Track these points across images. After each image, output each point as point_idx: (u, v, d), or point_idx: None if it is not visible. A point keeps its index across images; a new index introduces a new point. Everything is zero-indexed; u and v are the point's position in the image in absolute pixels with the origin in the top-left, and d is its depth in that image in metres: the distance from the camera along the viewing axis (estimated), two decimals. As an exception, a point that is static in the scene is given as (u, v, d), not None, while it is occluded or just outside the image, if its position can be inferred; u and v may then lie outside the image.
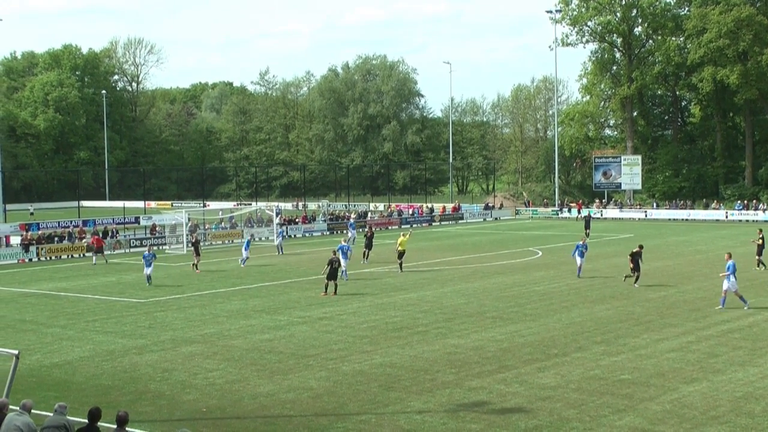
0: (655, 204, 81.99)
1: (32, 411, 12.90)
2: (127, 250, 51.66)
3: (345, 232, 60.08)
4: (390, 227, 68.51)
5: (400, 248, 38.70)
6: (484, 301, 29.99)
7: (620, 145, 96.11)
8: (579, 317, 26.58)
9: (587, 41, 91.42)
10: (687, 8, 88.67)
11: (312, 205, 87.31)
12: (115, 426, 12.11)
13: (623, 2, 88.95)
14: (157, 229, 58.04)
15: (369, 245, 43.29)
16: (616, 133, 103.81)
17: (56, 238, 51.55)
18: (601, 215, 76.70)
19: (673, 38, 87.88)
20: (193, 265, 40.50)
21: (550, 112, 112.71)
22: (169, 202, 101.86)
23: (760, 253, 37.73)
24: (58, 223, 66.89)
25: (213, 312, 28.75)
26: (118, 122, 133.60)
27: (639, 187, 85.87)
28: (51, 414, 12.74)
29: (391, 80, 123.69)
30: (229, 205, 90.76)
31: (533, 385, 18.50)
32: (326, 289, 31.66)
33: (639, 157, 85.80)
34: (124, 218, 73.28)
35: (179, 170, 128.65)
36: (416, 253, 44.56)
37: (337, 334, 24.42)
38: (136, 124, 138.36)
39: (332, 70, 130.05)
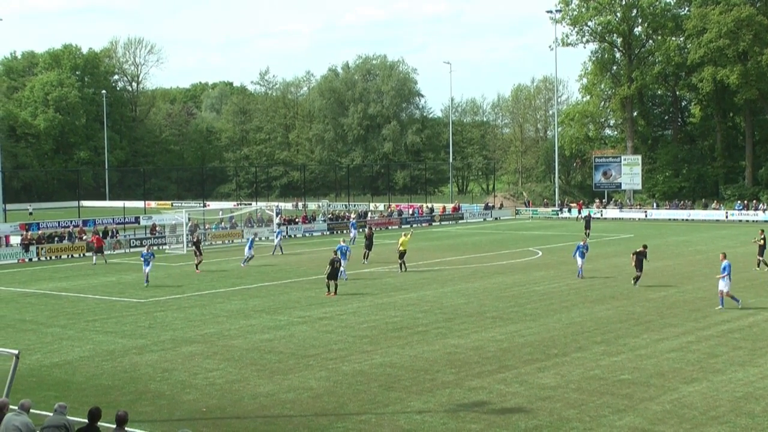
0: (655, 204, 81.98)
1: (32, 411, 12.91)
2: (127, 250, 51.66)
3: (346, 231, 60.24)
4: (390, 227, 68.52)
5: (401, 248, 38.70)
6: (484, 301, 29.98)
7: (620, 145, 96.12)
8: (579, 317, 26.58)
9: (587, 41, 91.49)
10: (687, 8, 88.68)
11: (312, 205, 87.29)
12: (114, 426, 12.10)
13: (623, 2, 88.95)
14: (157, 229, 58.02)
15: (369, 245, 43.28)
16: (616, 133, 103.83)
17: (56, 238, 51.55)
18: (601, 215, 76.70)
19: (673, 38, 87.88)
20: (196, 264, 40.50)
21: (550, 112, 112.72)
22: (169, 202, 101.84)
23: (761, 254, 37.71)
24: (58, 223, 66.92)
25: (213, 312, 28.75)
26: (118, 122, 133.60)
27: (639, 187, 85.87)
28: (51, 414, 12.74)
29: (391, 80, 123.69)
30: (229, 205, 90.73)
31: (533, 385, 18.50)
32: (329, 288, 31.68)
33: (639, 157, 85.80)
34: (124, 218, 73.26)
35: (179, 170, 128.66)
36: (416, 253, 44.55)
37: (337, 334, 24.43)
38: (136, 124, 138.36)
39: (332, 70, 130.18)
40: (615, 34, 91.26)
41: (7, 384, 13.83)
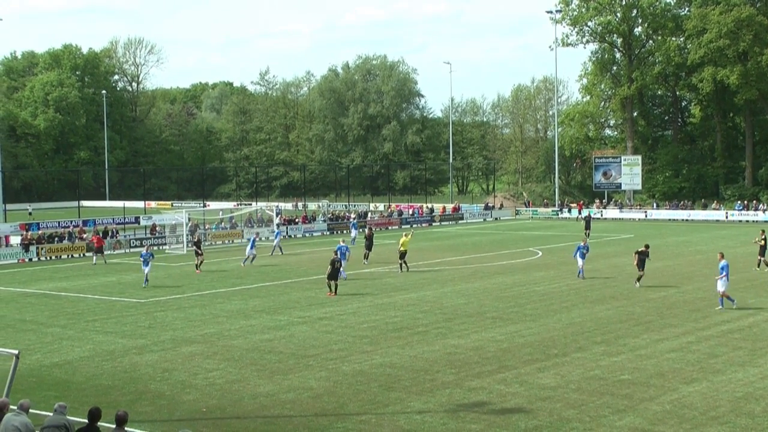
0: (655, 204, 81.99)
1: (32, 411, 12.91)
2: (127, 250, 51.65)
3: (346, 231, 60.23)
4: (390, 227, 68.52)
5: (402, 248, 38.67)
6: (484, 301, 29.98)
7: (620, 145, 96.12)
8: (579, 317, 26.58)
9: (587, 41, 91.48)
10: (687, 8, 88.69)
11: (312, 205, 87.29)
12: (114, 426, 12.10)
13: (623, 2, 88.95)
14: (157, 229, 58.02)
15: (369, 246, 43.25)
16: (616, 133, 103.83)
17: (56, 238, 51.56)
18: (601, 215, 76.70)
19: (673, 38, 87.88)
20: (196, 265, 40.48)
21: (550, 112, 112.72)
22: (169, 202, 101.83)
23: (762, 254, 37.70)
24: (59, 222, 66.92)
25: (213, 312, 28.75)
26: (118, 122, 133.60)
27: (639, 187, 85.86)
28: (51, 414, 12.74)
29: (391, 80, 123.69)
30: (229, 205, 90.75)
31: (533, 385, 18.50)
32: (330, 288, 31.69)
33: (639, 158, 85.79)
34: (124, 218, 73.27)
35: (179, 170, 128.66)
36: (416, 253, 44.53)
37: (337, 334, 24.42)
38: (136, 124, 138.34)
39: (332, 70, 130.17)
40: (615, 35, 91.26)
41: (7, 384, 13.83)
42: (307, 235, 62.67)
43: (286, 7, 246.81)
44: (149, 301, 31.30)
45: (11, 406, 12.79)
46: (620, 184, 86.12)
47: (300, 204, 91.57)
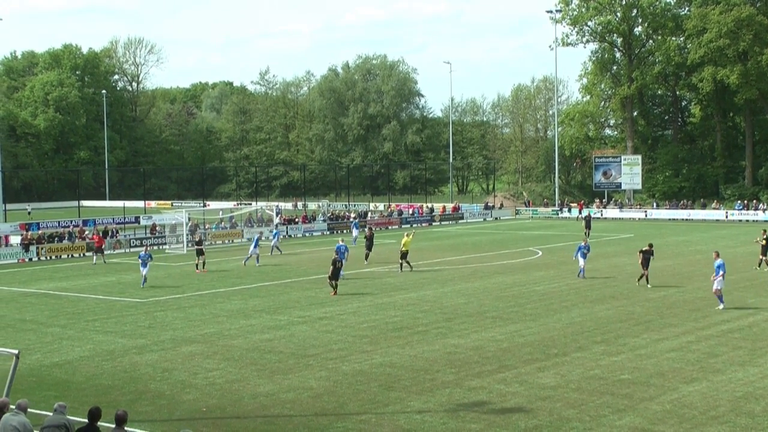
0: (655, 204, 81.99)
1: (32, 410, 12.91)
2: (127, 250, 51.66)
3: (346, 231, 60.27)
4: (390, 227, 68.52)
5: (403, 248, 38.65)
6: (484, 301, 29.98)
7: (620, 145, 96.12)
8: (579, 317, 26.58)
9: (587, 41, 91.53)
10: (687, 8, 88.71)
11: (312, 205, 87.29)
12: (114, 425, 12.10)
13: (623, 2, 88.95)
14: (157, 228, 58.02)
15: (369, 246, 43.22)
16: (616, 133, 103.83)
17: (56, 238, 51.57)
18: (601, 215, 76.69)
19: (673, 38, 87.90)
20: (196, 265, 40.48)
21: (550, 112, 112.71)
22: (169, 202, 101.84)
23: (764, 253, 37.69)
24: (59, 222, 66.94)
25: (213, 312, 28.75)
26: (118, 122, 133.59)
27: (639, 187, 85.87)
28: (51, 413, 12.74)
29: (391, 80, 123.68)
30: (229, 204, 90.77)
31: (533, 385, 18.50)
32: (333, 288, 31.69)
33: (639, 157, 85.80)
34: (124, 218, 73.30)
35: (179, 170, 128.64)
36: (416, 253, 44.50)
37: (337, 334, 24.42)
38: (136, 124, 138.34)
39: (332, 69, 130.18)
40: (615, 34, 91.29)
41: (7, 384, 13.83)
42: (307, 234, 62.66)
43: (286, 7, 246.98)
44: (149, 301, 31.30)
45: (11, 406, 12.79)
46: (620, 183, 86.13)
47: (300, 204, 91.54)
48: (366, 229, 47.94)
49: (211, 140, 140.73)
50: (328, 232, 63.72)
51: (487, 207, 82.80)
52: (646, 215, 76.45)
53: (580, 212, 75.37)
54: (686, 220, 73.00)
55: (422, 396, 17.86)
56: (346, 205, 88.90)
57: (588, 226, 56.33)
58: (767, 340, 22.93)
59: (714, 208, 75.36)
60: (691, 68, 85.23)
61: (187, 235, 51.21)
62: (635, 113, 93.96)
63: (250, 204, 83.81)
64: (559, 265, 40.42)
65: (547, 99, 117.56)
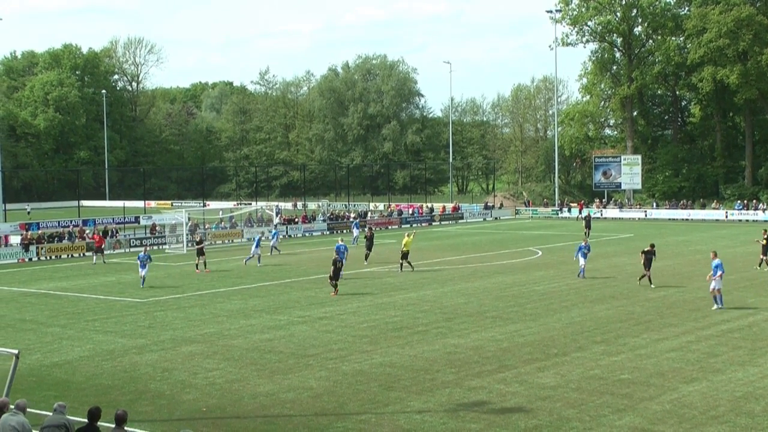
0: (654, 204, 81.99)
1: (32, 410, 12.91)
2: (127, 250, 51.65)
3: (346, 231, 60.25)
4: (390, 227, 68.53)
5: (404, 249, 38.64)
6: (484, 301, 29.98)
7: (620, 144, 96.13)
8: (579, 317, 26.58)
9: (587, 41, 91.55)
10: (687, 8, 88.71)
11: (312, 205, 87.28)
12: (114, 425, 12.11)
13: (623, 2, 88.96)
14: (157, 228, 58.02)
15: (369, 246, 43.21)
16: (616, 132, 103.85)
17: (56, 238, 51.57)
18: (601, 215, 76.70)
19: (673, 38, 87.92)
20: (196, 264, 40.45)
21: (550, 111, 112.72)
22: (169, 202, 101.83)
23: (765, 253, 37.69)
24: (58, 222, 66.91)
25: (213, 312, 28.75)
26: (118, 122, 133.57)
27: (639, 186, 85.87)
28: (50, 413, 12.74)
29: (391, 80, 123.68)
30: (229, 204, 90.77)
31: (533, 385, 18.50)
32: (334, 287, 31.69)
33: (639, 157, 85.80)
34: (124, 218, 73.27)
35: (179, 170, 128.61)
36: (416, 253, 44.48)
37: (337, 334, 24.43)
38: (136, 124, 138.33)
39: (332, 69, 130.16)
40: (615, 34, 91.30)
41: (7, 384, 13.83)
42: (306, 234, 62.66)
43: (286, 7, 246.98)
44: (149, 301, 31.30)
45: (11, 406, 12.79)
46: (620, 183, 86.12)
47: (300, 204, 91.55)
48: (366, 229, 47.94)
49: (211, 140, 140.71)
50: (327, 232, 63.72)
51: (486, 207, 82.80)
52: (645, 215, 76.45)
53: (580, 212, 75.36)
54: (686, 220, 73.00)
55: (422, 396, 17.86)
56: (345, 205, 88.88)
57: (588, 226, 56.33)
58: (767, 340, 22.93)
59: (714, 208, 75.38)
60: (691, 68, 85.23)
61: (187, 235, 51.20)
62: (635, 113, 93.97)
63: (250, 204, 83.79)
64: (559, 265, 40.42)
65: (547, 99, 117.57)
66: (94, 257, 44.99)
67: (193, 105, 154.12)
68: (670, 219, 73.79)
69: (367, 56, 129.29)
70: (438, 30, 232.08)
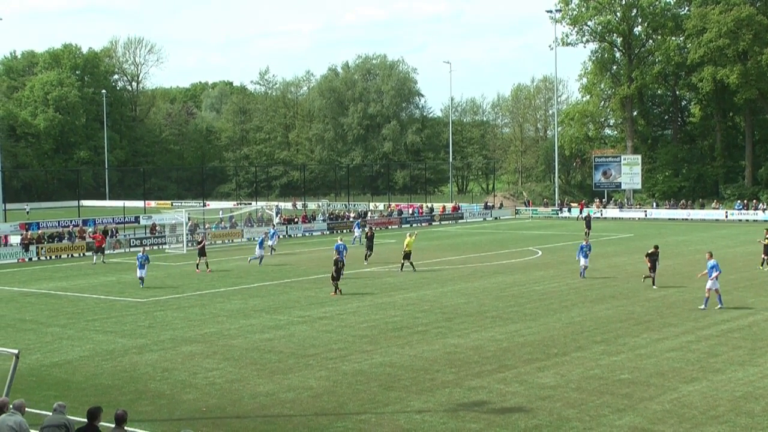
0: (654, 204, 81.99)
1: (32, 410, 12.91)
2: (127, 250, 51.63)
3: (346, 231, 60.25)
4: (390, 227, 68.52)
5: (407, 249, 38.61)
6: (484, 301, 29.98)
7: (620, 144, 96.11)
8: (579, 317, 26.57)
9: (587, 41, 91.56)
10: (687, 8, 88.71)
11: (312, 205, 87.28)
12: (114, 425, 12.10)
13: (623, 2, 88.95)
14: (157, 228, 58.02)
15: (370, 246, 43.20)
16: (616, 132, 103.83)
17: (56, 238, 51.57)
18: (601, 215, 76.69)
19: (673, 38, 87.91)
20: (197, 264, 40.44)
21: (550, 111, 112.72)
22: (169, 202, 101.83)
23: (766, 253, 37.67)
24: (58, 222, 66.90)
25: (213, 311, 28.75)
26: (118, 122, 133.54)
27: (639, 186, 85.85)
28: (50, 413, 12.73)
29: (391, 80, 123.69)
30: (229, 204, 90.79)
31: (533, 385, 18.50)
32: (335, 287, 31.69)
33: (639, 157, 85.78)
34: (124, 218, 73.28)
35: (179, 170, 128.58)
36: (416, 253, 44.38)
37: (337, 334, 24.42)
38: (136, 124, 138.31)
39: (332, 69, 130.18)
40: (615, 34, 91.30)
41: (7, 384, 13.83)
42: (306, 234, 62.66)
43: (286, 7, 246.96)
44: (149, 301, 31.30)
45: (9, 406, 12.79)
46: (620, 183, 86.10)
47: (300, 203, 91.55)
48: (366, 229, 47.95)
49: (211, 140, 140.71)
50: (327, 232, 63.72)
51: (486, 207, 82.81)
52: (645, 215, 76.45)
53: (580, 212, 75.36)
54: (686, 219, 72.99)
55: (422, 396, 17.86)
56: (345, 204, 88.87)
57: (588, 226, 56.34)
58: (767, 339, 22.93)
59: (714, 208, 75.38)
60: (691, 68, 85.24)
61: (187, 235, 51.18)
62: (635, 113, 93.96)
63: (250, 204, 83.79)
64: (559, 264, 40.42)
65: (547, 99, 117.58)
66: (94, 257, 44.98)
67: (193, 105, 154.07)
68: (670, 219, 73.78)
69: (367, 56, 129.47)
70: (438, 30, 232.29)
